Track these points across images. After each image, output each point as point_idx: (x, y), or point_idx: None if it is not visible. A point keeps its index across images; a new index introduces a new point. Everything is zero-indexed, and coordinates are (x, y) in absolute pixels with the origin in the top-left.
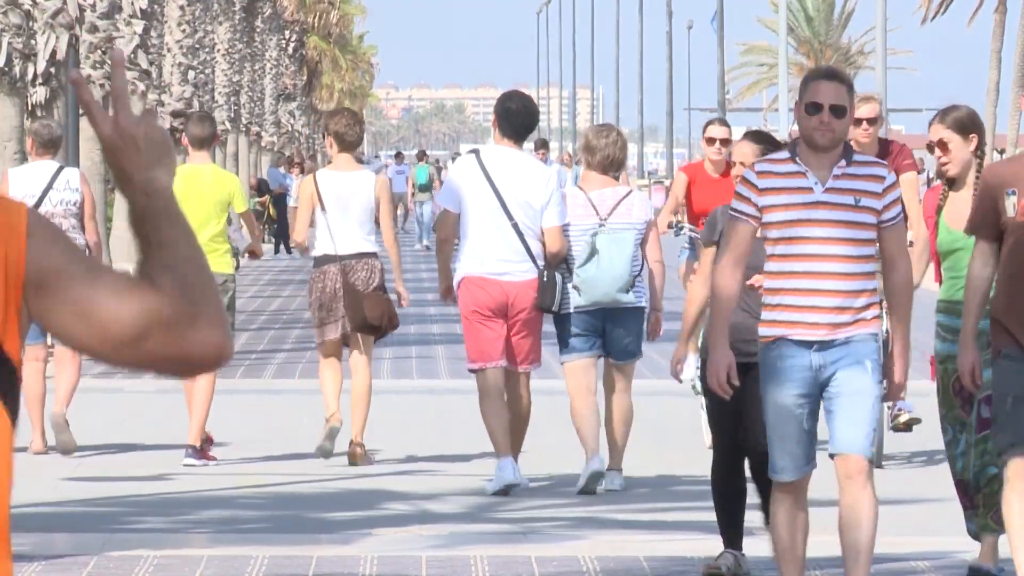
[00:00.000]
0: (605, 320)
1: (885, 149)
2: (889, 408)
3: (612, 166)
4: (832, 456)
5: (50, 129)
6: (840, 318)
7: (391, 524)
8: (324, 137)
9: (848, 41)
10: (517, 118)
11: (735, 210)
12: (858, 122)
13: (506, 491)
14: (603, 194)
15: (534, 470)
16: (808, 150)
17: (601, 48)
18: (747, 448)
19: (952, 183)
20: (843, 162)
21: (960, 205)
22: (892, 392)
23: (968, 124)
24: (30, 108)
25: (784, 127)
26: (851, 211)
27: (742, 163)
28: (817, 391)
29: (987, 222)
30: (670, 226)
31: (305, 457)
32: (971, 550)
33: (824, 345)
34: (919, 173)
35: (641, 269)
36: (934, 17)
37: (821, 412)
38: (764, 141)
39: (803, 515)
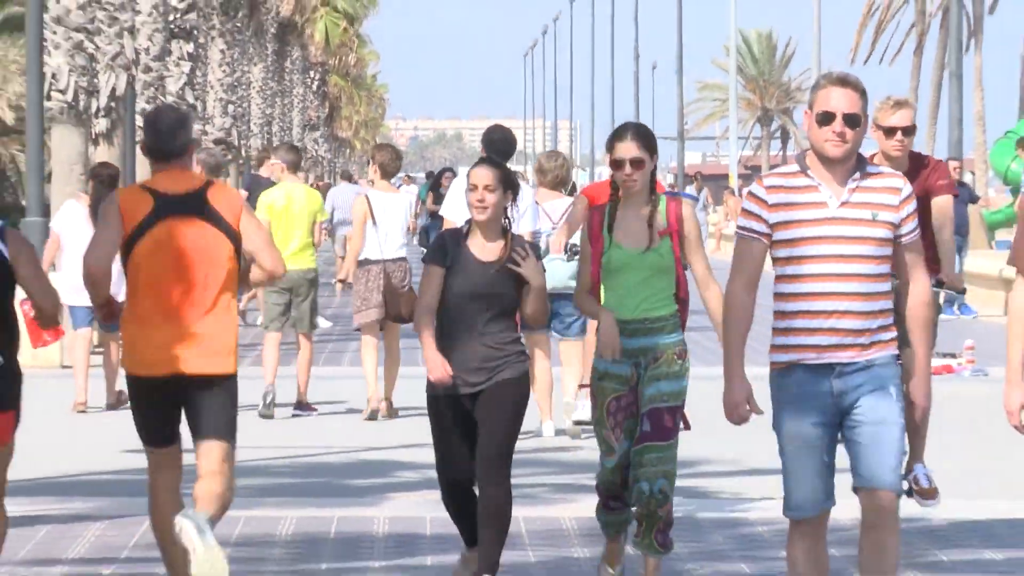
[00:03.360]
0: (556, 303)
1: (919, 164)
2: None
3: (560, 183)
4: (856, 490)
5: (215, 158)
6: (859, 340)
7: (402, 490)
8: (370, 164)
9: (788, 79)
10: (499, 146)
11: (744, 228)
12: (890, 132)
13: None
14: (554, 204)
15: (522, 444)
16: (819, 162)
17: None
18: (482, 454)
19: None
20: (857, 174)
21: (631, 222)
22: (918, 415)
23: None
24: (93, 137)
25: (734, 153)
26: (868, 226)
27: (486, 187)
28: (837, 420)
29: None
30: (566, 249)
31: (331, 432)
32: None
33: (845, 369)
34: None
35: None
36: (866, 60)
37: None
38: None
39: (824, 557)
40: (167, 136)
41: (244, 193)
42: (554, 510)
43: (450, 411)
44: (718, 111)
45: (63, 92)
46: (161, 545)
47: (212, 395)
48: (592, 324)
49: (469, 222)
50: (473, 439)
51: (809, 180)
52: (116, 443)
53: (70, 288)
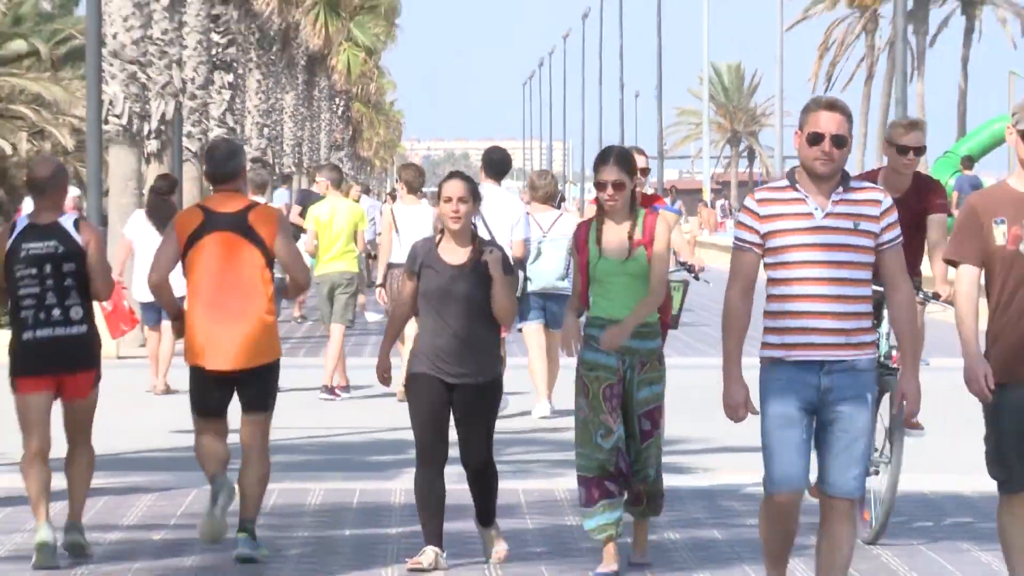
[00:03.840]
0: (547, 300)
1: (922, 183)
2: None
3: (549, 198)
4: (819, 490)
5: (261, 176)
6: (843, 339)
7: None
8: (398, 181)
9: (754, 105)
10: (498, 166)
11: (739, 240)
12: (903, 150)
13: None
14: (544, 216)
15: (522, 424)
16: (807, 178)
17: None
18: (464, 462)
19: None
20: (840, 188)
21: (613, 235)
22: (908, 414)
23: None
24: (145, 156)
25: (707, 170)
26: (851, 235)
27: (460, 198)
28: (815, 409)
29: (973, 247)
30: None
31: (354, 415)
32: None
33: (833, 367)
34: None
35: (569, 266)
36: (826, 90)
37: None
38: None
39: (793, 531)
40: (221, 164)
41: (298, 208)
42: (549, 483)
43: (425, 388)
44: (693, 133)
45: (119, 117)
46: (199, 457)
47: (256, 381)
48: (571, 297)
49: (442, 230)
50: (444, 413)
51: (797, 193)
52: (166, 425)
53: (143, 287)
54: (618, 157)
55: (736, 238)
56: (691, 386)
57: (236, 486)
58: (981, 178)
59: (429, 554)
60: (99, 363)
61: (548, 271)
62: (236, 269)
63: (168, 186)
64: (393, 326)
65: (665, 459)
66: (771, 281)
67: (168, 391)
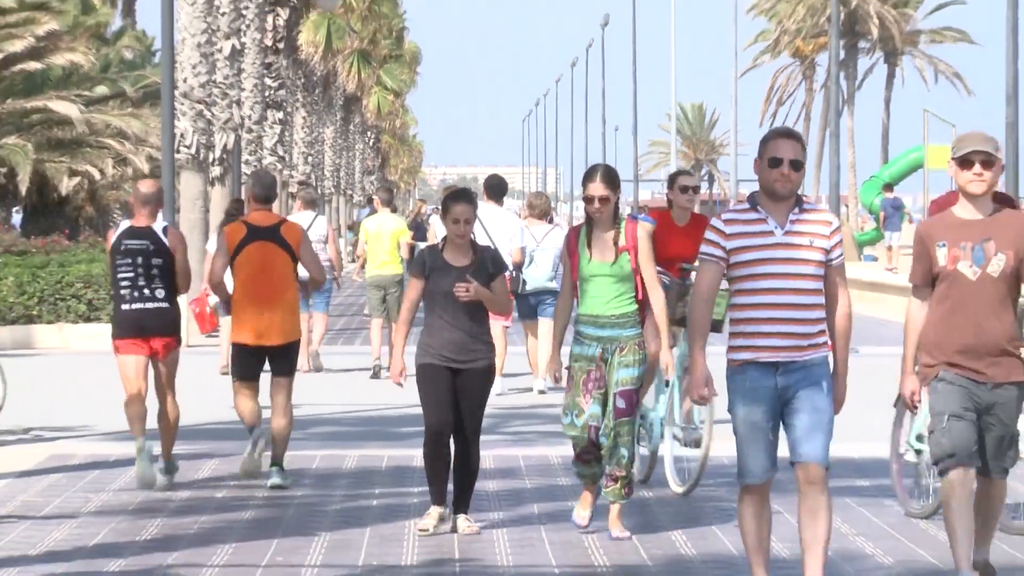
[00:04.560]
0: (538, 296)
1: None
2: None
3: (543, 214)
4: (793, 463)
5: (310, 193)
6: (799, 342)
7: None
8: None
9: (713, 138)
10: (496, 189)
11: (705, 253)
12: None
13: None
14: (538, 229)
15: (522, 401)
16: (767, 199)
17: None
18: (456, 437)
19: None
20: (796, 209)
21: (600, 241)
22: (837, 406)
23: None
24: (210, 180)
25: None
26: (806, 250)
27: (466, 220)
28: (779, 408)
29: (924, 270)
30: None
31: (384, 393)
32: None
33: (787, 367)
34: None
35: (558, 269)
36: (771, 123)
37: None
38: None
39: (768, 513)
40: (268, 189)
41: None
42: (545, 450)
43: (435, 375)
44: (662, 161)
45: (188, 147)
46: (238, 411)
47: (285, 354)
48: (561, 296)
49: (445, 238)
50: (450, 396)
51: (758, 214)
52: (226, 402)
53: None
54: (603, 174)
55: (703, 252)
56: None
57: (268, 435)
58: (901, 199)
59: (433, 515)
60: (179, 332)
61: (540, 275)
62: (271, 270)
63: (239, 209)
64: (401, 331)
65: (637, 399)
66: (737, 292)
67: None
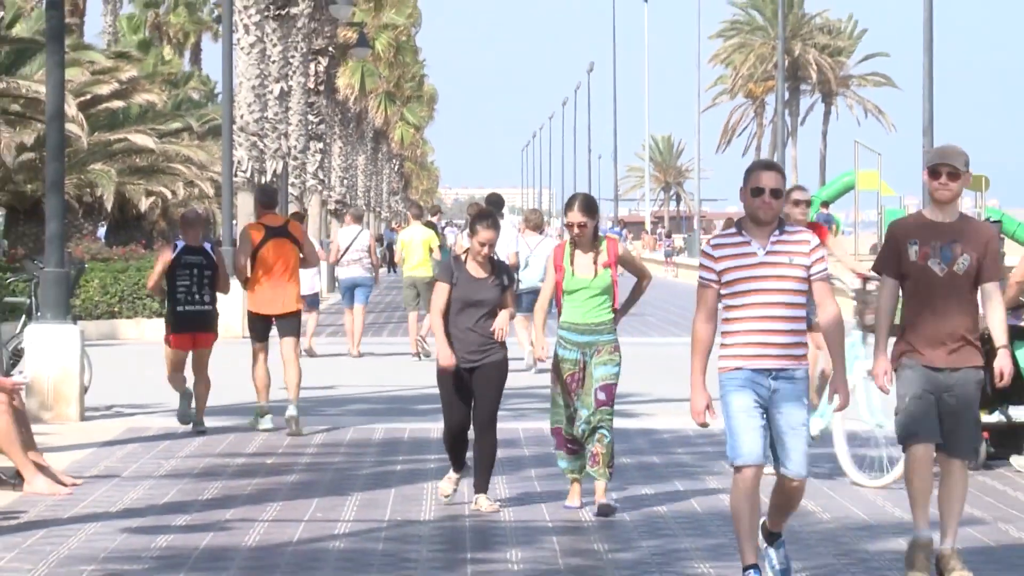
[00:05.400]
0: (531, 296)
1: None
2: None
3: (536, 227)
4: (776, 470)
5: (359, 210)
6: (785, 351)
7: None
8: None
9: (680, 164)
10: (495, 205)
11: (703, 278)
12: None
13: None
14: (532, 239)
15: (519, 382)
16: (751, 224)
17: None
18: (474, 419)
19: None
20: (777, 232)
21: (582, 260)
22: (841, 407)
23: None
24: None
25: (647, 209)
26: (786, 268)
27: (490, 245)
28: (766, 408)
29: (892, 263)
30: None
31: (407, 374)
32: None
33: (780, 373)
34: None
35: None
36: (725, 151)
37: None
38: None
39: (758, 501)
40: (273, 198)
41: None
42: (540, 423)
43: (453, 378)
44: (638, 183)
45: (244, 172)
46: (256, 378)
47: (288, 320)
48: (538, 303)
49: (467, 251)
50: (469, 397)
51: (743, 237)
52: (275, 383)
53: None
54: (580, 204)
55: (700, 277)
56: (636, 356)
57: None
58: (832, 214)
59: (452, 479)
60: (217, 328)
61: (533, 276)
62: (284, 259)
63: (299, 219)
64: (440, 327)
65: (617, 407)
66: (726, 307)
67: (312, 354)
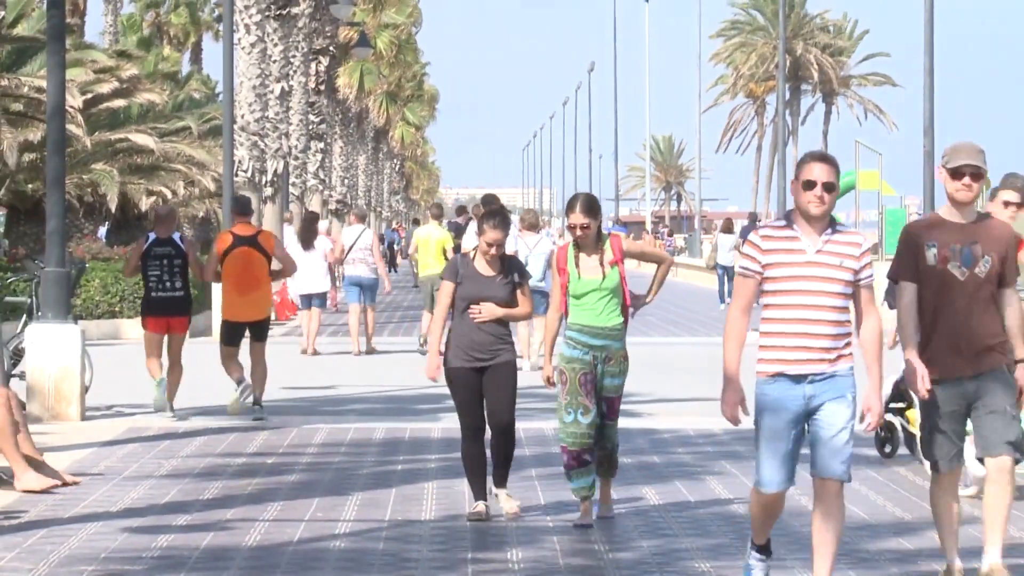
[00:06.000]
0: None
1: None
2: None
3: (533, 226)
4: (813, 476)
5: (362, 210)
6: (828, 356)
7: (449, 412)
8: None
9: (680, 164)
10: (492, 206)
11: (744, 268)
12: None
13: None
14: (531, 239)
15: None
16: (802, 220)
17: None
18: (491, 424)
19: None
20: (829, 231)
21: (587, 261)
22: (874, 419)
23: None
24: (263, 199)
25: (648, 208)
26: (836, 270)
27: (499, 244)
28: (805, 418)
29: (909, 267)
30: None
31: (407, 374)
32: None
33: (816, 378)
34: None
35: (546, 271)
36: (725, 150)
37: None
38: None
39: (777, 513)
40: (247, 207)
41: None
42: (541, 423)
43: (463, 377)
44: (638, 183)
45: (245, 171)
46: (225, 368)
47: (260, 326)
48: (548, 316)
49: (475, 248)
50: (480, 396)
51: (793, 232)
52: (278, 382)
53: (300, 285)
54: (582, 205)
55: (741, 266)
56: (636, 356)
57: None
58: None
59: (481, 505)
60: (190, 314)
61: (532, 276)
62: (251, 268)
63: (315, 219)
64: (436, 332)
65: (620, 406)
66: (768, 306)
67: (316, 353)
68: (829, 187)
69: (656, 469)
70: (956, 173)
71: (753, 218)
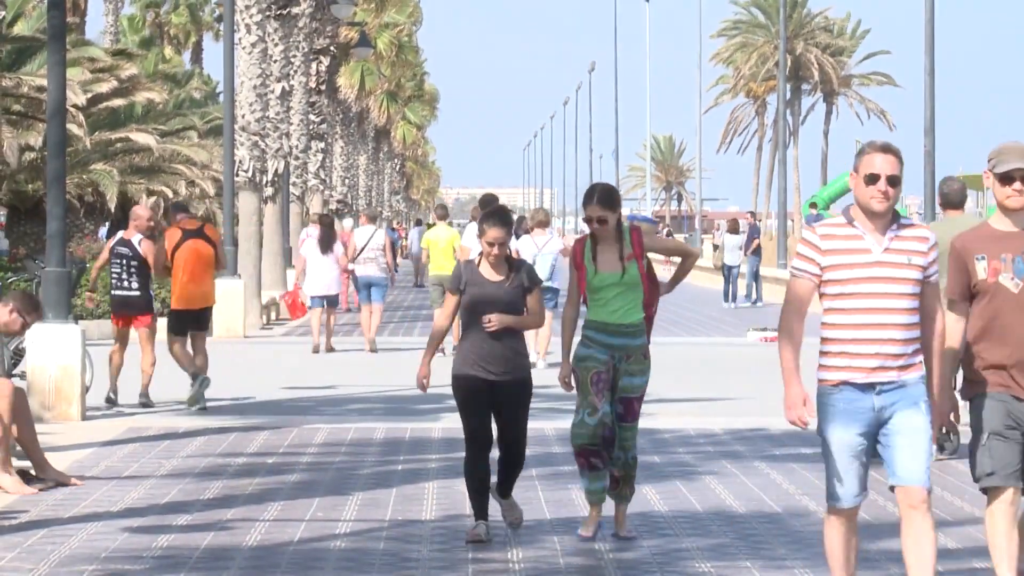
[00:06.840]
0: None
1: None
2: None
3: (542, 225)
4: (893, 488)
5: (374, 211)
6: (897, 363)
7: (450, 412)
8: (476, 219)
9: (681, 164)
10: (488, 205)
11: (798, 269)
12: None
13: None
14: (540, 238)
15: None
16: (864, 215)
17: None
18: (501, 441)
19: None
20: (895, 227)
21: (606, 255)
22: (935, 426)
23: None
24: (264, 199)
25: (649, 208)
26: (905, 268)
27: (500, 244)
28: (875, 430)
29: (961, 283)
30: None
31: (408, 374)
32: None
33: (884, 388)
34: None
35: (554, 269)
36: (726, 150)
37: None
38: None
39: (855, 538)
40: (186, 208)
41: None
42: (542, 423)
43: (474, 388)
44: (639, 183)
45: (246, 171)
46: (178, 359)
47: (204, 314)
48: (565, 314)
49: (480, 253)
50: (486, 405)
51: (855, 230)
52: (278, 383)
53: (312, 286)
54: (600, 197)
55: (795, 267)
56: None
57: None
58: (823, 215)
59: (481, 527)
60: (151, 311)
61: (540, 273)
62: (202, 258)
63: (330, 221)
64: (434, 340)
65: (641, 408)
66: (830, 310)
67: (331, 350)
68: (894, 180)
69: (656, 469)
70: (1006, 178)
71: (756, 220)
